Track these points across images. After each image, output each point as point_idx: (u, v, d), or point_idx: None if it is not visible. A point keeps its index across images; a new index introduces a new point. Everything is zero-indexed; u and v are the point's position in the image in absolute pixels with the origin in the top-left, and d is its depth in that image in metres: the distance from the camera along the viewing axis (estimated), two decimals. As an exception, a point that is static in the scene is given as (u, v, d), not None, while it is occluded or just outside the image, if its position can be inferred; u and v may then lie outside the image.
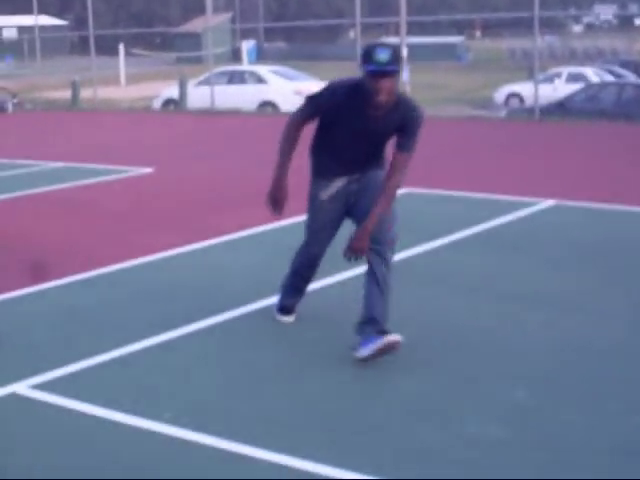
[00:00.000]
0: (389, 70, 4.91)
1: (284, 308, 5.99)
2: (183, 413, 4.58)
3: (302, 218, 5.77)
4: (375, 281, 5.27)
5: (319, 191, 5.46)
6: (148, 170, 12.97)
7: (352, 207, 5.44)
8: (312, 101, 5.28)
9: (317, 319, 6.02)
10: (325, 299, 6.43)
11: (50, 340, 5.79)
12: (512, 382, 4.93)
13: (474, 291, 6.65)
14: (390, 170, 5.24)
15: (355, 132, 5.22)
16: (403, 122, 5.15)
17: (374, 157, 5.43)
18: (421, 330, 5.78)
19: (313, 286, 6.12)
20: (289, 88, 23.57)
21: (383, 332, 5.19)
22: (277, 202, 5.43)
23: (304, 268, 5.79)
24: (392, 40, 41.12)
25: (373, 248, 5.25)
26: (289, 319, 5.99)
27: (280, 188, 5.39)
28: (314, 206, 5.52)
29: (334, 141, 5.34)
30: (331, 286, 6.72)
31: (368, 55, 4.93)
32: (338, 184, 5.42)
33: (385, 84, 4.94)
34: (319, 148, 5.46)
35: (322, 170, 5.46)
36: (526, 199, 9.98)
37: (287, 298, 5.97)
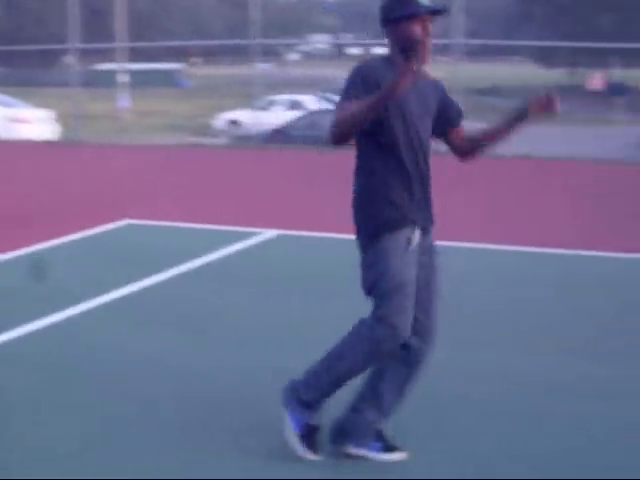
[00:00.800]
0: (437, 9, 4.11)
1: (313, 431, 4.32)
2: None
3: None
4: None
5: (400, 237, 4.08)
6: None
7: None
8: (351, 92, 4.02)
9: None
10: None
11: None
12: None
13: (198, 331, 6.51)
14: (460, 134, 4.34)
15: (406, 108, 4.08)
16: (438, 90, 4.27)
17: (429, 176, 4.21)
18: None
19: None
20: (4, 115, 22.80)
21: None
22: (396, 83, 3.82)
23: (371, 362, 4.16)
24: (111, 66, 40.50)
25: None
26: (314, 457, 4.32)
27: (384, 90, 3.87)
28: (392, 254, 4.05)
29: (391, 148, 4.10)
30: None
31: (405, 1, 4.07)
32: (417, 233, 4.13)
33: (430, 27, 4.09)
34: (370, 182, 4.14)
35: (385, 212, 4.10)
36: (249, 229, 9.96)
37: (309, 415, 4.29)
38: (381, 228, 4.08)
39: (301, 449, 4.26)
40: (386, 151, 4.11)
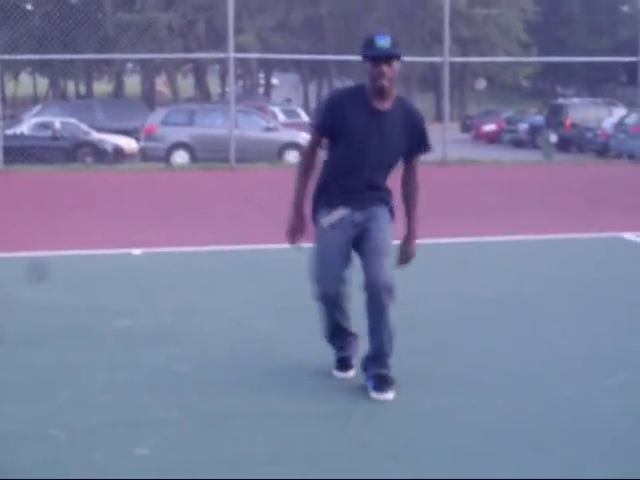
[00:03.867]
0: (391, 54, 5.05)
1: (339, 362, 5.50)
2: None
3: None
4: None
5: (321, 218, 5.28)
6: None
7: (359, 238, 5.24)
8: (315, 121, 5.37)
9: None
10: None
11: None
12: None
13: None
14: (410, 172, 5.35)
15: (365, 137, 5.13)
16: (408, 121, 5.20)
17: (379, 183, 5.29)
18: None
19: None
20: None
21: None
22: (297, 231, 5.30)
23: (328, 313, 5.37)
24: None
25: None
26: (347, 374, 5.48)
27: (300, 217, 5.29)
28: (317, 237, 5.29)
29: (341, 159, 5.22)
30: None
31: (369, 43, 5.05)
32: (340, 213, 5.25)
33: (387, 69, 5.04)
34: (325, 172, 5.31)
35: (324, 197, 5.28)
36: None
37: (337, 351, 5.52)
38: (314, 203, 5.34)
39: None
40: (334, 159, 5.26)
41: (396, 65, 5.10)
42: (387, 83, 5.06)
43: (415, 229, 5.39)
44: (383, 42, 5.04)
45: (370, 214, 5.25)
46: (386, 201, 5.32)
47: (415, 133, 5.24)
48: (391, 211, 5.35)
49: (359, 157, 5.17)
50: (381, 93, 5.11)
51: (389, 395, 5.10)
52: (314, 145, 5.33)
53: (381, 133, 5.15)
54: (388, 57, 5.05)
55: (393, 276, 5.13)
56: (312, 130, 5.40)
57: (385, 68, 5.04)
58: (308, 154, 5.35)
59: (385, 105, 5.14)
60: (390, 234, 5.28)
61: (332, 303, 5.30)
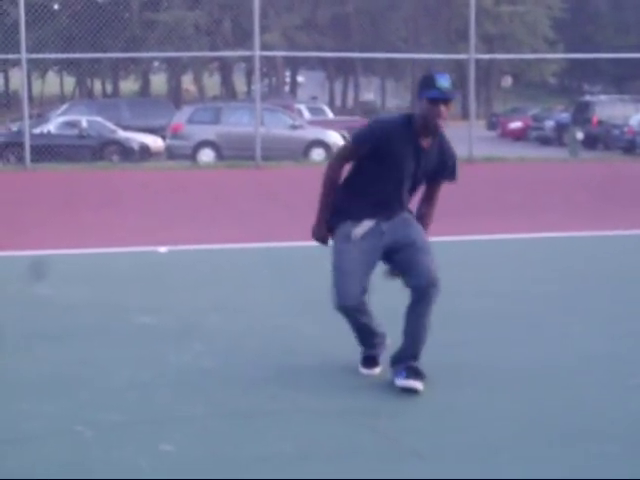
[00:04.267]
0: (451, 97, 5.06)
1: (365, 359, 5.52)
2: None
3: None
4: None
5: (346, 230, 5.26)
6: None
7: (394, 246, 5.23)
8: (359, 139, 5.23)
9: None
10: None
11: None
12: None
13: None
14: (434, 192, 5.43)
15: (403, 167, 5.19)
16: (443, 154, 5.27)
17: (406, 201, 5.36)
18: None
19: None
20: None
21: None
22: (323, 240, 5.39)
23: (351, 321, 5.36)
24: None
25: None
26: (373, 371, 5.49)
27: (323, 228, 5.34)
28: (340, 249, 5.25)
29: (375, 181, 5.24)
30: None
31: (430, 81, 5.05)
32: (368, 224, 5.25)
33: (444, 110, 5.07)
34: (351, 188, 5.31)
35: (351, 211, 5.27)
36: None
37: (365, 350, 5.53)
38: (337, 216, 5.38)
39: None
40: (366, 179, 5.27)
41: (452, 106, 5.15)
42: (441, 124, 5.12)
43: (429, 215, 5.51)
44: (444, 82, 5.05)
45: (398, 220, 5.29)
46: (409, 211, 5.42)
47: (447, 167, 5.31)
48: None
49: (394, 183, 5.23)
50: (432, 132, 5.15)
51: (418, 384, 5.09)
52: (346, 160, 5.31)
53: (418, 165, 5.21)
54: (448, 100, 5.07)
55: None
56: (350, 145, 5.33)
57: (443, 109, 5.06)
58: (337, 168, 5.31)
59: (429, 141, 5.20)
60: (424, 233, 5.34)
61: (353, 314, 5.28)
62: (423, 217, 5.45)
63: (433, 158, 5.24)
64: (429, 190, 5.44)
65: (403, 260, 5.21)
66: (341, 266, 5.20)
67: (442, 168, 5.31)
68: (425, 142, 5.17)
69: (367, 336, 5.44)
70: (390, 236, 5.23)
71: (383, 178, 5.22)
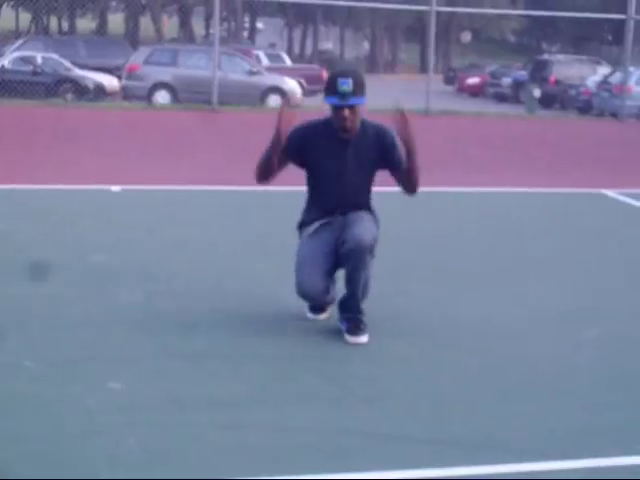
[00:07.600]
0: (351, 103, 5.04)
1: (312, 307, 5.54)
2: None
3: None
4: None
5: (304, 234, 5.40)
6: None
7: (338, 236, 5.21)
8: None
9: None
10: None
11: None
12: None
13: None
14: (403, 176, 5.30)
15: (332, 164, 5.22)
16: (380, 144, 5.23)
17: (359, 202, 5.34)
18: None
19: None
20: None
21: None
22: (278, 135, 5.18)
23: (311, 305, 5.51)
24: None
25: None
26: (319, 317, 5.53)
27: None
28: (298, 248, 5.37)
29: (317, 186, 5.35)
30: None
31: (331, 85, 5.07)
32: (321, 221, 5.34)
33: (349, 114, 5.08)
34: (308, 203, 5.44)
35: (310, 221, 5.38)
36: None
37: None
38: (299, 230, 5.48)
39: None
40: (312, 188, 5.40)
41: (359, 108, 5.12)
42: (350, 124, 5.13)
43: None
44: (345, 87, 5.02)
45: (351, 216, 5.27)
46: (369, 207, 5.41)
47: (388, 148, 5.25)
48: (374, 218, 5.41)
49: (332, 182, 5.27)
50: (346, 132, 5.17)
51: (363, 338, 5.13)
52: (281, 154, 5.26)
53: (347, 159, 5.23)
54: (350, 107, 5.07)
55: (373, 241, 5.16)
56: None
57: (347, 113, 5.09)
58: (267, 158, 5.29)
59: (350, 135, 5.20)
60: (371, 220, 5.31)
61: (313, 299, 5.38)
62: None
63: (365, 148, 5.24)
64: (397, 179, 5.37)
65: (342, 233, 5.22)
66: (299, 259, 5.30)
67: (389, 159, 5.27)
68: (346, 135, 5.20)
69: (319, 307, 5.52)
70: (339, 230, 5.22)
71: (320, 180, 5.32)
